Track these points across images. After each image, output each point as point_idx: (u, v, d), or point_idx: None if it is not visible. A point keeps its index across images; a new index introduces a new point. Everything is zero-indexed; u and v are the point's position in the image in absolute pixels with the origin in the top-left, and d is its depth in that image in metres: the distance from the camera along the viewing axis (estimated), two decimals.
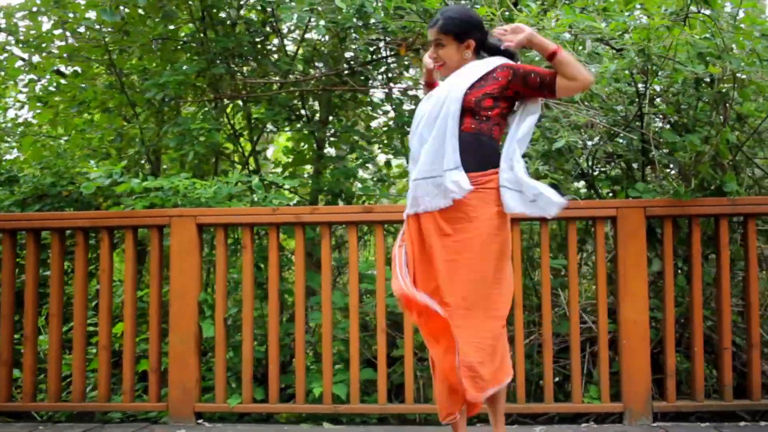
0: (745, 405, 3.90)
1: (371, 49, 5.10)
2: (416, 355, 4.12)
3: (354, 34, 4.72)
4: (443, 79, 2.94)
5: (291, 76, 5.83)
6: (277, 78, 5.66)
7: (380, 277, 4.05)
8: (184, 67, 5.21)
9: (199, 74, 5.49)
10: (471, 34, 2.91)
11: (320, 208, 4.22)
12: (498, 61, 2.88)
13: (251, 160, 6.33)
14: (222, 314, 4.08)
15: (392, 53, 5.22)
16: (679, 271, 4.19)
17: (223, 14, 6.06)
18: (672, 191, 3.93)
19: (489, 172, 2.78)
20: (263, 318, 4.49)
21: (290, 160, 6.69)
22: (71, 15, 5.73)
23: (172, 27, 5.98)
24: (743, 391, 3.97)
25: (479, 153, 2.78)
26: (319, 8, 4.35)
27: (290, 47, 6.22)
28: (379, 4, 4.37)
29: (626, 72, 4.04)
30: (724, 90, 3.91)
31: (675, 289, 4.04)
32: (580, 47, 3.86)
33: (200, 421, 4.05)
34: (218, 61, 5.46)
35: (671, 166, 4.46)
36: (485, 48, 2.95)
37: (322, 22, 4.46)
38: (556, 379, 4.27)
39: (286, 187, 5.08)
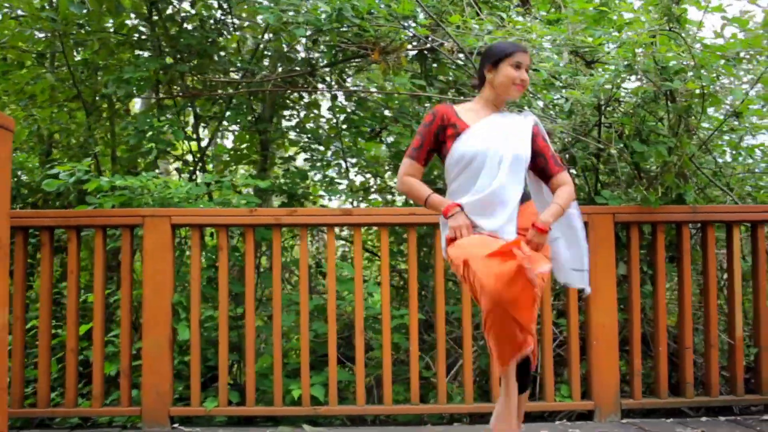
0: (705, 401, 4.12)
1: (333, 51, 5.09)
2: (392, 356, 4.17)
3: (326, 37, 4.71)
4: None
5: (235, 75, 5.77)
6: (238, 77, 5.59)
7: (358, 278, 4.08)
8: (147, 63, 5.08)
9: (161, 71, 5.36)
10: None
11: (299, 210, 4.20)
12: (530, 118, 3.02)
13: (193, 157, 6.23)
14: (197, 316, 4.02)
15: (359, 56, 5.24)
16: (643, 275, 4.38)
17: (170, 10, 5.95)
18: (639, 198, 4.12)
19: None
20: (236, 320, 4.45)
21: (228, 158, 6.63)
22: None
23: (128, 22, 5.82)
24: (704, 388, 4.20)
25: None
26: (302, 10, 4.34)
27: (244, 46, 6.16)
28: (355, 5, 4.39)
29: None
30: (687, 103, 4.12)
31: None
32: (557, 56, 3.98)
33: (175, 425, 3.97)
34: (176, 58, 5.34)
35: (620, 174, 4.66)
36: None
37: (301, 19, 4.44)
38: None
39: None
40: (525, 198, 2.92)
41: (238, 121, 5.46)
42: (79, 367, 4.09)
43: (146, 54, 5.81)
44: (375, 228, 5.51)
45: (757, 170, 5.20)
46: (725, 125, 4.55)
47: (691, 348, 4.12)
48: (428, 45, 4.80)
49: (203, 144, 6.32)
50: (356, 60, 5.43)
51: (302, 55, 5.86)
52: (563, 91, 3.82)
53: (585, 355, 4.15)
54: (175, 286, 4.18)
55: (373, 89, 5.87)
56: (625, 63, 3.59)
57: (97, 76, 5.62)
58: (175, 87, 5.56)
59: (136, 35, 5.70)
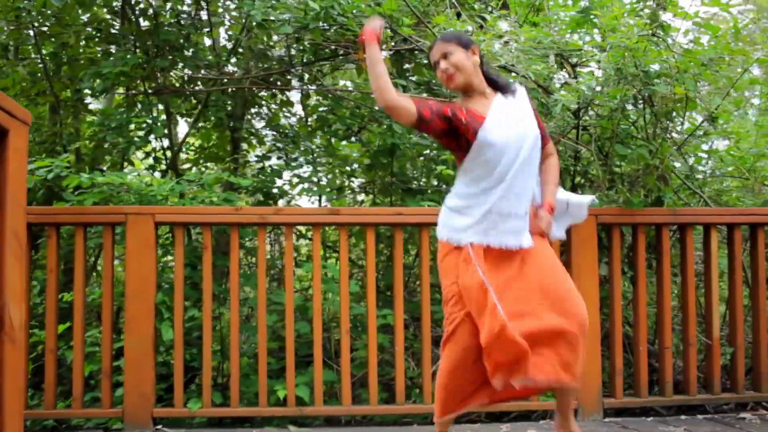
0: (684, 400, 4.20)
1: (314, 49, 5.08)
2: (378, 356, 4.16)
3: (308, 34, 4.69)
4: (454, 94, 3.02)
5: (203, 72, 5.70)
6: (211, 73, 5.52)
7: (343, 278, 4.06)
8: (127, 58, 4.99)
9: (140, 66, 5.27)
10: (472, 44, 3.01)
11: (285, 208, 4.19)
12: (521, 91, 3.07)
13: (164, 155, 6.15)
14: (181, 316, 3.96)
15: (339, 54, 5.22)
16: (624, 276, 4.45)
17: (143, 4, 5.87)
18: (621, 200, 4.19)
19: None
20: (220, 320, 4.41)
21: (194, 156, 6.55)
22: None
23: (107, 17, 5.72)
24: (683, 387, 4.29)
25: None
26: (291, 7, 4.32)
27: (222, 43, 6.10)
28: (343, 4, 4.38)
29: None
30: (668, 108, 4.21)
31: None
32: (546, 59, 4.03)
33: (158, 426, 3.91)
34: (154, 54, 5.26)
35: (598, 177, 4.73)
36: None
37: (287, 16, 4.41)
38: None
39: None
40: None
41: (220, 117, 5.39)
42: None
43: (114, 48, 5.72)
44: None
45: (717, 173, 5.33)
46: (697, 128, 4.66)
47: (670, 348, 4.20)
48: (412, 45, 4.80)
49: (175, 141, 6.26)
50: (338, 57, 5.40)
51: (279, 52, 5.83)
52: (552, 96, 3.85)
53: None
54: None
55: (350, 87, 5.88)
56: (617, 67, 3.64)
57: (70, 70, 5.49)
58: (151, 83, 5.47)
59: (113, 30, 5.61)
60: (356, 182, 6.60)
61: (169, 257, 5.21)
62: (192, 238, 5.21)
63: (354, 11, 4.49)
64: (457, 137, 2.90)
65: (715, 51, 4.23)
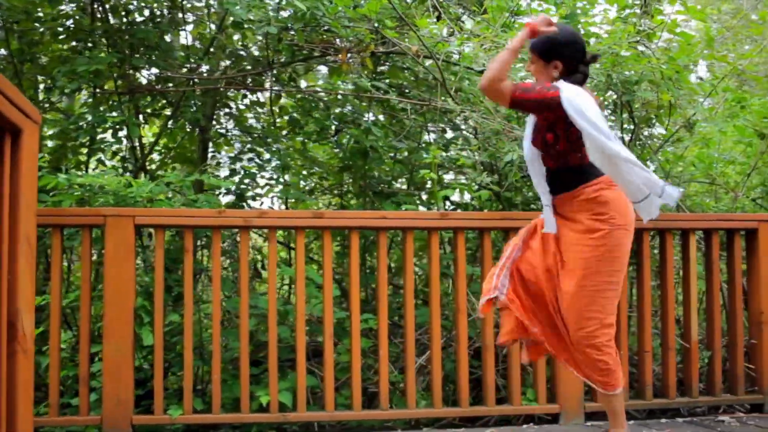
0: (663, 403, 4.25)
1: (294, 50, 5.02)
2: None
3: (288, 35, 4.63)
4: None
5: (176, 71, 5.61)
6: (187, 73, 5.43)
7: (327, 283, 4.01)
8: (102, 56, 4.86)
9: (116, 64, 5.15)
10: (557, 55, 3.07)
11: (269, 211, 4.12)
12: None
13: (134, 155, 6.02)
14: (161, 320, 3.87)
15: (319, 56, 5.17)
16: None
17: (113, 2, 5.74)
18: None
19: None
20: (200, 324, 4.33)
21: (161, 157, 6.42)
22: None
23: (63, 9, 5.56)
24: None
25: None
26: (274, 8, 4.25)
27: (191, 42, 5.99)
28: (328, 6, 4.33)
29: None
30: (649, 114, 4.26)
31: None
32: None
33: None
34: (129, 52, 5.14)
35: None
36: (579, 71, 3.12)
37: (272, 12, 4.35)
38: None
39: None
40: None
41: (197, 118, 5.28)
42: None
43: (82, 46, 5.58)
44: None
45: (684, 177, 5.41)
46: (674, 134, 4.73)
47: (650, 351, 4.24)
48: (389, 49, 4.77)
49: (145, 142, 6.13)
50: (315, 58, 5.35)
51: (253, 52, 5.75)
52: None
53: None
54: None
55: (319, 89, 5.82)
56: (607, 73, 3.67)
57: (38, 68, 5.34)
58: (124, 82, 5.35)
59: (81, 27, 5.47)
60: (326, 185, 6.55)
61: (138, 261, 5.09)
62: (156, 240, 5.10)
63: (337, 13, 4.44)
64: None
65: (687, 58, 4.30)
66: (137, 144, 5.80)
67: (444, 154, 5.25)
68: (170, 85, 5.56)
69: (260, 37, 5.29)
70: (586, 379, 3.17)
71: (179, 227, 4.07)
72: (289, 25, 4.41)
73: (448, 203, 5.68)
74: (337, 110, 5.52)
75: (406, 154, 5.80)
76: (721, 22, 5.91)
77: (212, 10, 5.76)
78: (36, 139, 1.77)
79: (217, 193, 5.46)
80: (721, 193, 5.47)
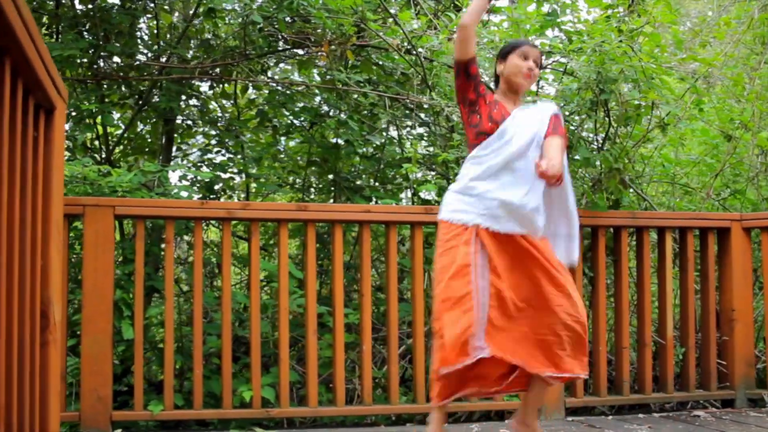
0: (640, 399, 4.32)
1: (270, 40, 4.94)
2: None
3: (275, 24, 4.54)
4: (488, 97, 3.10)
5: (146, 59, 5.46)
6: (159, 61, 5.29)
7: (310, 277, 3.96)
8: (77, 42, 4.70)
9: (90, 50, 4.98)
10: None
11: (252, 204, 4.05)
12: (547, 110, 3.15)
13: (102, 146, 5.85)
14: (141, 314, 3.77)
15: (296, 47, 5.10)
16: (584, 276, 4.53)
17: None
18: (584, 203, 4.27)
19: None
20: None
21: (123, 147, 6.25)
22: None
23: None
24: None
25: None
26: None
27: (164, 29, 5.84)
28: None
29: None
30: (628, 113, 4.31)
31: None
32: None
33: (118, 431, 3.71)
34: (103, 38, 4.99)
35: None
36: None
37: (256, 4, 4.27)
38: None
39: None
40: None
41: (171, 107, 5.14)
42: None
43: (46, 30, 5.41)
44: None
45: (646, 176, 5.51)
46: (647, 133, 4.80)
47: (627, 348, 4.31)
48: (373, 41, 4.74)
49: (114, 132, 5.97)
50: (292, 49, 5.28)
51: (228, 43, 5.64)
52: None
53: None
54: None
55: (295, 81, 5.74)
56: (597, 71, 3.70)
57: None
58: (94, 70, 5.19)
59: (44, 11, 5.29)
60: (293, 179, 6.49)
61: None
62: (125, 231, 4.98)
63: (318, 4, 4.39)
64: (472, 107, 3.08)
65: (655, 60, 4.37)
66: (103, 135, 5.64)
67: (419, 149, 5.24)
68: (141, 74, 5.41)
69: (235, 27, 5.19)
70: (570, 372, 2.98)
71: (160, 218, 3.96)
72: (273, 15, 4.33)
73: (416, 199, 5.68)
74: (311, 103, 5.45)
75: (372, 149, 5.77)
76: (692, 24, 6.05)
77: None
78: (64, 118, 1.69)
79: (186, 184, 5.35)
80: (680, 193, 5.59)
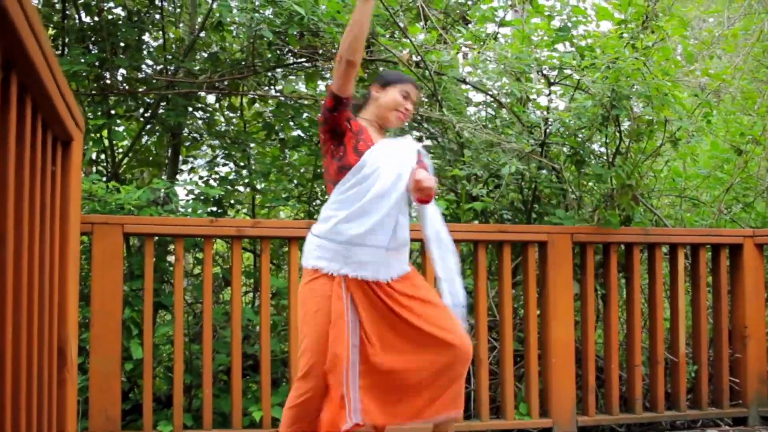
0: (652, 417, 4.28)
1: (279, 54, 4.92)
2: None
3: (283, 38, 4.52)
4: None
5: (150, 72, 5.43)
6: (168, 76, 5.26)
7: None
8: (85, 56, 4.67)
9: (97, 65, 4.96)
10: None
11: (263, 221, 4.00)
12: (413, 145, 3.04)
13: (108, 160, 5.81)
14: (150, 333, 3.73)
15: (305, 60, 5.07)
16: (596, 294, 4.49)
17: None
18: (596, 220, 4.23)
19: None
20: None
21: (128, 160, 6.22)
22: None
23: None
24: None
25: None
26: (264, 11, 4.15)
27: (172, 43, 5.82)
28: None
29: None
30: (640, 129, 4.28)
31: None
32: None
33: None
34: (112, 52, 4.96)
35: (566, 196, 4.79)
36: None
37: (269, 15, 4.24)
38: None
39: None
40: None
41: (179, 122, 5.12)
42: None
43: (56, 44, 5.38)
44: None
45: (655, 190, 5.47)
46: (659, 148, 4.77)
47: (640, 366, 4.27)
48: (382, 55, 4.72)
49: (120, 143, 5.92)
50: (301, 63, 5.25)
51: (236, 55, 5.61)
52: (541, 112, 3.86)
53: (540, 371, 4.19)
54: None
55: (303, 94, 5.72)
56: (612, 88, 3.67)
57: None
58: (99, 83, 5.15)
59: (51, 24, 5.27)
60: (300, 192, 6.46)
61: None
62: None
63: (329, 19, 4.36)
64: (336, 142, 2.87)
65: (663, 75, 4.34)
66: (109, 148, 5.61)
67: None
68: (149, 87, 5.38)
69: (244, 41, 5.17)
70: (446, 412, 2.85)
71: (169, 236, 3.93)
72: (283, 29, 4.30)
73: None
74: (317, 115, 5.43)
75: None
76: (700, 38, 6.02)
77: (196, 11, 5.61)
78: (81, 147, 1.66)
79: (192, 198, 5.31)
80: (689, 206, 5.55)
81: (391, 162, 2.86)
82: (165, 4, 5.67)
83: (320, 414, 2.78)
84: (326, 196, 6.22)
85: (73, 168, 1.58)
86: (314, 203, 6.22)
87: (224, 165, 5.98)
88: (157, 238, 4.63)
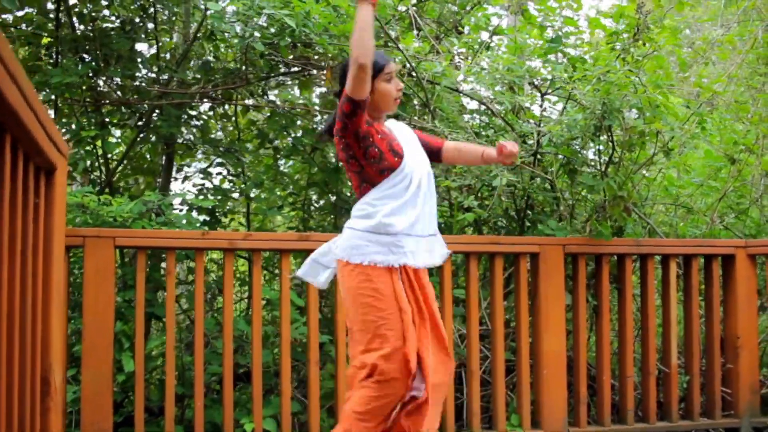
0: (644, 427, 4.28)
1: (272, 63, 4.93)
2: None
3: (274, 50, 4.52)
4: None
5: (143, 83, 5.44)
6: (166, 85, 5.27)
7: (312, 307, 3.93)
8: (78, 67, 4.67)
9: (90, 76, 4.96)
10: None
11: (254, 234, 4.01)
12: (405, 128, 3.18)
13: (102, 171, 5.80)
14: (142, 346, 3.74)
15: (298, 70, 5.08)
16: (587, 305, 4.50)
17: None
18: (588, 231, 4.23)
19: None
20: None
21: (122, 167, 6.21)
22: None
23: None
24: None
25: None
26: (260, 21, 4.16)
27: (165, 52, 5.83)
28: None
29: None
30: (632, 140, 4.28)
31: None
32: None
33: None
34: (104, 62, 4.96)
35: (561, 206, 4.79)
36: None
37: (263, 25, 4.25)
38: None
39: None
40: None
41: (171, 132, 5.12)
42: None
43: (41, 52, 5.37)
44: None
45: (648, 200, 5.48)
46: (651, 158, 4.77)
47: (632, 377, 4.27)
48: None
49: (112, 155, 5.92)
50: (294, 73, 5.26)
51: (226, 64, 5.62)
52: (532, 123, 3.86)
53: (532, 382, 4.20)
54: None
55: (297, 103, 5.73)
56: (602, 101, 3.68)
57: None
58: (93, 93, 5.15)
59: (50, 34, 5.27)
60: (294, 199, 6.46)
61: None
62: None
63: (320, 30, 4.36)
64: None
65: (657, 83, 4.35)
66: (102, 159, 5.60)
67: None
68: (142, 97, 5.38)
69: (236, 50, 5.17)
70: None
71: (161, 249, 3.93)
72: (275, 41, 4.31)
73: None
74: (311, 123, 5.44)
75: None
76: (695, 46, 6.02)
77: (189, 20, 5.61)
78: (65, 173, 1.67)
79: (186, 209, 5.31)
80: (682, 213, 5.56)
81: (418, 157, 3.00)
82: (158, 13, 5.67)
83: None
84: (321, 202, 6.27)
85: (57, 196, 1.59)
86: (309, 210, 6.23)
87: (218, 175, 5.98)
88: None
